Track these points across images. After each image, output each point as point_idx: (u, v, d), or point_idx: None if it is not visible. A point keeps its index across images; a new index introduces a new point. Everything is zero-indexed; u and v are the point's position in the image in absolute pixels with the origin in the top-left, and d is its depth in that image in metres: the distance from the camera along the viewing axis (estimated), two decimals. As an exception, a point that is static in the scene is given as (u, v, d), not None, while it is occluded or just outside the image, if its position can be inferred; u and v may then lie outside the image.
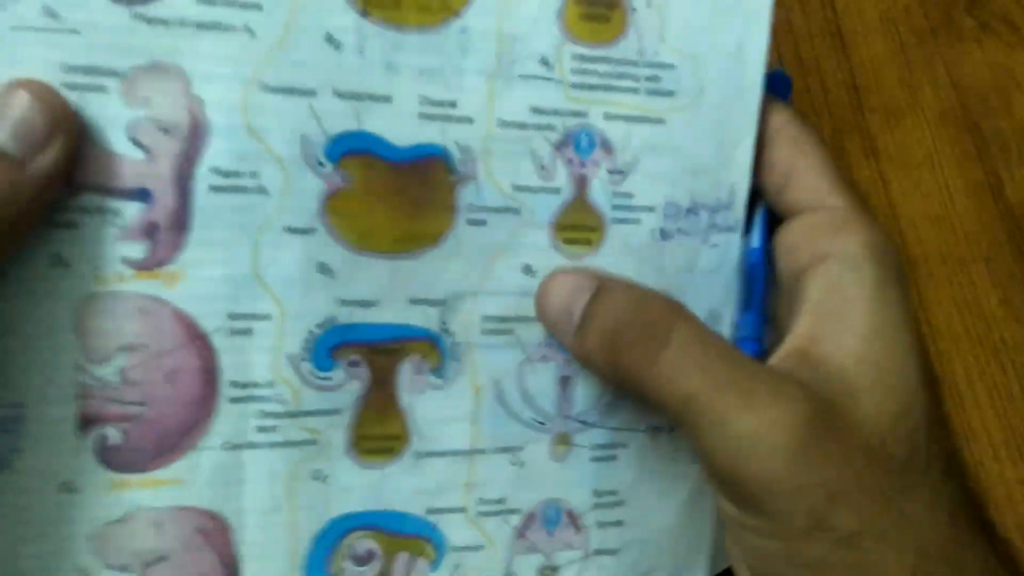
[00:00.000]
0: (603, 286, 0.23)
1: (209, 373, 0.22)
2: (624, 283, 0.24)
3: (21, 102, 0.19)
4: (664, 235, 0.26)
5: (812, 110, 0.40)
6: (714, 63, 0.26)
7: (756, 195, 0.27)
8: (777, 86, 0.27)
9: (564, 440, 0.26)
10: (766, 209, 0.27)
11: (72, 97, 0.20)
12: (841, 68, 0.40)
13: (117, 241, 0.21)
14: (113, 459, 0.22)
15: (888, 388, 0.22)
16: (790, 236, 0.26)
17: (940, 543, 0.21)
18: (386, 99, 0.23)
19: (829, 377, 0.22)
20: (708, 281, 0.26)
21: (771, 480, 0.21)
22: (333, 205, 0.23)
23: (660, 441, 0.27)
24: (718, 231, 0.27)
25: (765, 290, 0.27)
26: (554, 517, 0.26)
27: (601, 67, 0.25)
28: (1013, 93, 0.41)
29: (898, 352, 0.22)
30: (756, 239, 0.27)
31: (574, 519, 0.27)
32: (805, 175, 0.25)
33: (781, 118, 0.26)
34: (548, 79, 0.24)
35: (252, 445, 0.23)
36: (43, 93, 0.19)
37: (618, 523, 0.27)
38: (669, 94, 0.25)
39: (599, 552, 0.27)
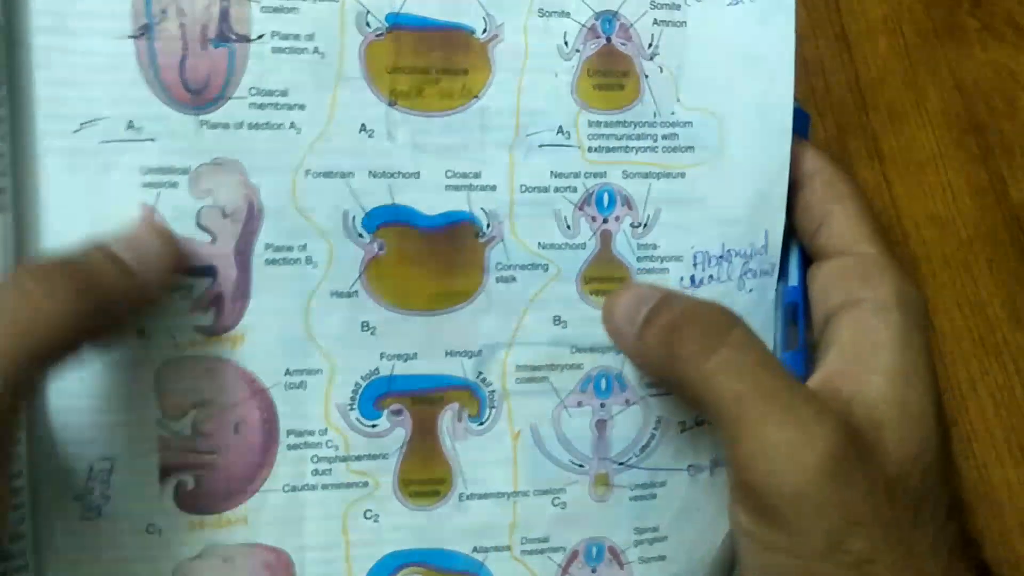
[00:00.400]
0: (666, 295, 0.25)
1: (270, 423, 0.25)
2: (686, 295, 0.26)
3: (142, 228, 0.24)
4: (695, 282, 0.27)
5: (816, 110, 0.40)
6: (735, 117, 0.27)
7: (790, 234, 0.28)
8: (795, 122, 0.27)
9: (604, 481, 0.27)
10: (800, 249, 0.28)
11: (150, 193, 0.24)
12: (845, 69, 0.40)
13: (189, 312, 0.24)
14: (189, 502, 0.25)
15: (910, 427, 0.23)
16: (823, 278, 0.26)
17: None
18: (415, 175, 0.25)
19: (856, 412, 0.23)
20: None
21: (798, 494, 0.21)
22: (372, 270, 0.25)
23: (699, 480, 0.28)
24: (753, 276, 0.27)
25: (806, 328, 0.27)
26: (597, 554, 0.27)
27: (618, 131, 0.26)
28: (1017, 94, 0.40)
29: (920, 394, 0.23)
30: (795, 278, 0.28)
31: (616, 555, 0.28)
32: (839, 220, 0.26)
33: (816, 162, 0.27)
34: (566, 146, 0.26)
35: (310, 487, 0.25)
36: (161, 228, 0.24)
37: (661, 558, 0.28)
38: (688, 149, 0.27)
39: (645, 588, 0.28)
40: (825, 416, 0.22)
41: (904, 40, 0.41)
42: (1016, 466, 0.38)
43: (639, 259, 0.27)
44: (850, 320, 0.25)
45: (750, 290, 0.27)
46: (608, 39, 0.26)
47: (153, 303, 0.24)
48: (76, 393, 0.24)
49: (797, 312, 0.28)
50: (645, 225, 0.27)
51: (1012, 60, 0.41)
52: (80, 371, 0.24)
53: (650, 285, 0.26)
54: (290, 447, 0.25)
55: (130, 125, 0.24)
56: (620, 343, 0.26)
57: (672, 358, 0.23)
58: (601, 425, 0.27)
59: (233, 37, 0.24)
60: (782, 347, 0.28)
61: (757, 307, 0.27)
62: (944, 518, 0.22)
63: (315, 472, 0.25)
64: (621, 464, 0.27)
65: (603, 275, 0.27)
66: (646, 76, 0.26)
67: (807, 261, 0.28)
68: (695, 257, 0.27)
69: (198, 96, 0.24)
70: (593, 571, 0.27)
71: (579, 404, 0.27)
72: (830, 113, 0.40)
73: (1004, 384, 0.38)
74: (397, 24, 0.25)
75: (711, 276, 0.27)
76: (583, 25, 0.26)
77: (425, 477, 0.26)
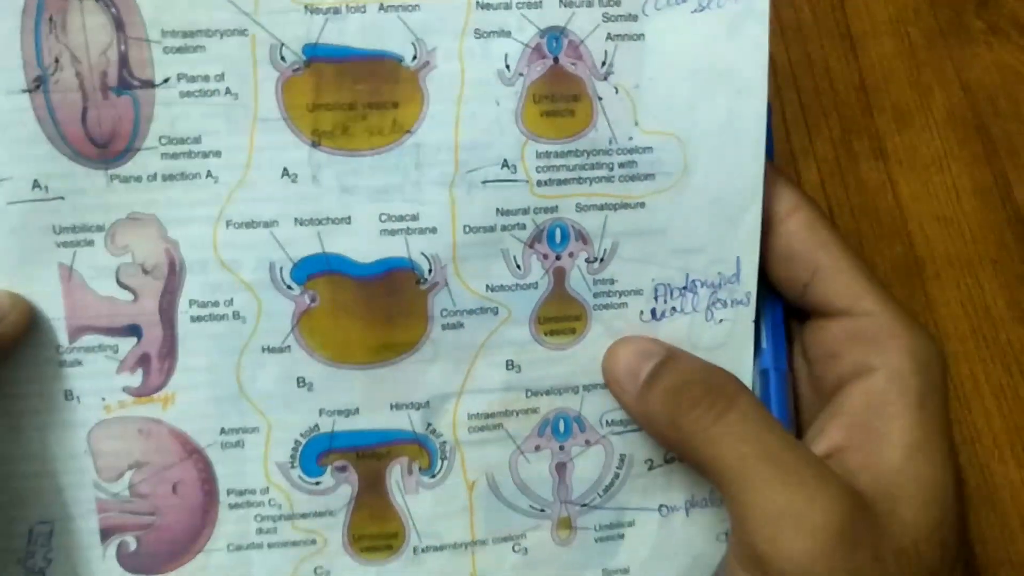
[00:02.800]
0: (672, 353, 0.24)
1: (208, 483, 0.23)
2: (690, 355, 0.24)
3: None
4: (655, 315, 0.24)
5: (821, 111, 0.38)
6: (701, 139, 0.23)
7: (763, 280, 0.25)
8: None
9: (566, 524, 0.25)
10: (779, 308, 0.25)
11: (65, 253, 0.22)
12: (850, 69, 0.38)
13: (116, 373, 0.23)
14: (132, 564, 0.23)
15: (927, 502, 0.22)
16: (829, 342, 0.24)
17: None
18: (345, 220, 0.23)
19: (866, 482, 0.22)
20: (715, 357, 0.24)
21: (806, 559, 0.21)
22: (305, 324, 0.23)
23: (674, 521, 0.26)
24: (723, 306, 0.24)
25: (787, 397, 0.25)
26: (566, 601, 0.26)
27: (570, 160, 0.23)
28: (1022, 95, 0.38)
29: (938, 467, 0.22)
30: (767, 339, 0.25)
31: (586, 601, 0.26)
32: (833, 274, 0.24)
33: (791, 199, 0.24)
34: (512, 181, 0.23)
35: (255, 546, 0.24)
36: (8, 291, 0.22)
37: None
38: (648, 177, 0.24)
39: (620, 632, 0.26)
40: (831, 482, 0.21)
41: (909, 40, 0.39)
42: (1019, 467, 0.36)
43: (596, 295, 0.24)
44: (861, 390, 0.23)
45: (720, 320, 0.25)
46: (555, 59, 0.23)
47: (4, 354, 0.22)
48: (11, 457, 0.23)
49: (769, 379, 0.25)
50: (602, 260, 0.24)
51: (1018, 61, 0.39)
52: (13, 435, 0.22)
53: (652, 339, 0.24)
54: (231, 506, 0.24)
55: (36, 184, 0.21)
56: (620, 397, 0.24)
57: (677, 419, 0.22)
58: (561, 468, 0.25)
59: (136, 83, 0.21)
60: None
61: (730, 340, 0.25)
62: None
63: (259, 531, 0.24)
64: (584, 505, 0.25)
65: (558, 314, 0.24)
66: (600, 99, 0.23)
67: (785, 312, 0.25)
68: (656, 290, 0.24)
69: (105, 149, 0.21)
70: None
71: (537, 448, 0.25)
72: (835, 114, 0.38)
73: (1008, 384, 0.37)
74: (315, 56, 0.22)
75: (673, 308, 0.24)
76: (526, 45, 0.23)
77: (376, 532, 0.24)
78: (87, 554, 0.23)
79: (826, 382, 0.24)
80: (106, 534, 0.23)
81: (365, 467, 0.24)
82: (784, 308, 0.25)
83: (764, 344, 0.25)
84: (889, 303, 0.23)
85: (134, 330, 0.23)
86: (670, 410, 0.23)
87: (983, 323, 0.37)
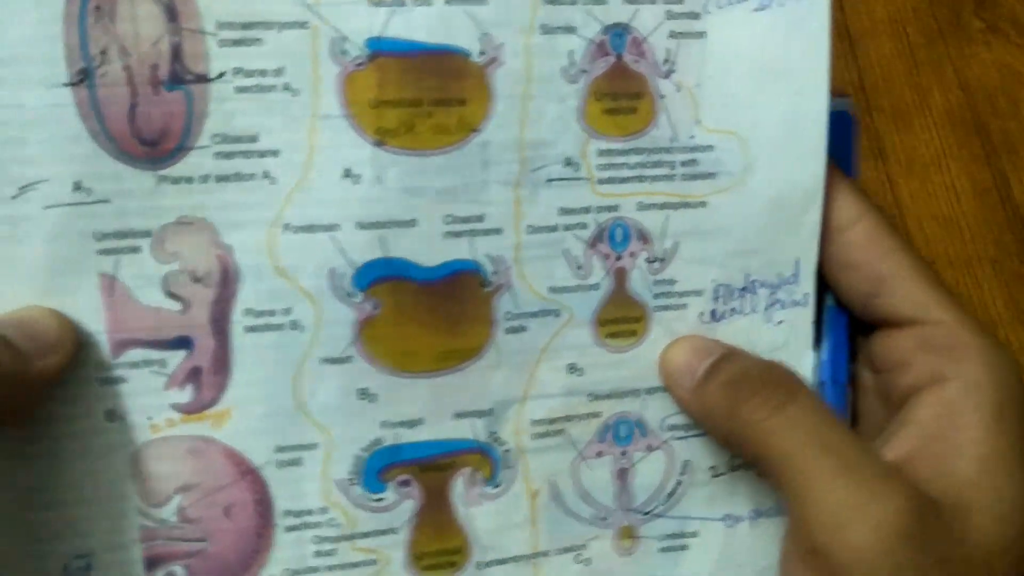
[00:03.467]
0: (730, 350, 0.23)
1: (263, 505, 0.22)
2: (748, 352, 0.24)
3: (34, 309, 0.20)
4: (715, 316, 0.24)
5: None
6: (762, 138, 0.23)
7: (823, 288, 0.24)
8: (833, 129, 0.23)
9: (628, 533, 0.24)
10: (844, 319, 0.25)
11: (108, 261, 0.20)
12: (849, 69, 0.40)
13: (164, 390, 0.21)
14: (181, 596, 0.21)
15: (1002, 515, 0.21)
16: (897, 352, 0.24)
17: None
18: (410, 223, 0.21)
19: (936, 491, 0.21)
20: (774, 359, 0.24)
21: (869, 553, 0.20)
22: (367, 332, 0.22)
23: (738, 532, 0.25)
24: (781, 307, 0.24)
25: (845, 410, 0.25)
26: (627, 611, 0.25)
27: (632, 158, 0.23)
28: (1021, 95, 0.40)
29: (1015, 480, 0.21)
30: (827, 352, 0.25)
31: (649, 612, 0.25)
32: (903, 283, 0.23)
33: (856, 207, 0.24)
34: (575, 179, 0.22)
35: (312, 570, 0.22)
36: (60, 315, 0.20)
37: None
38: (710, 176, 0.23)
39: (682, 643, 0.25)
40: (896, 480, 0.21)
41: (908, 40, 0.41)
42: None
43: (655, 296, 0.24)
44: (934, 400, 0.22)
45: (779, 322, 0.24)
46: (619, 56, 0.22)
47: (49, 386, 0.20)
48: (46, 486, 0.20)
49: (826, 392, 0.24)
50: (662, 260, 0.23)
51: (1017, 60, 0.40)
52: (49, 461, 0.20)
53: (708, 338, 0.24)
54: (288, 528, 0.22)
55: (78, 186, 0.19)
56: (676, 393, 0.24)
57: (736, 412, 0.22)
58: (622, 474, 0.24)
59: (189, 77, 0.20)
60: None
61: (789, 341, 0.24)
62: None
63: (317, 553, 0.22)
64: (646, 514, 0.24)
65: (618, 316, 0.23)
66: (662, 96, 0.23)
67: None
68: (716, 291, 0.24)
69: (154, 148, 0.20)
70: None
71: (598, 454, 0.24)
72: None
73: None
74: (379, 50, 0.21)
75: (733, 309, 0.24)
76: (591, 41, 0.22)
77: (439, 548, 0.23)
78: None
79: (895, 392, 0.23)
80: (152, 564, 0.21)
81: (428, 480, 0.23)
82: (849, 320, 0.25)
83: (824, 356, 0.25)
84: (960, 312, 0.23)
85: (184, 342, 0.21)
86: (729, 403, 0.22)
87: (982, 322, 0.38)
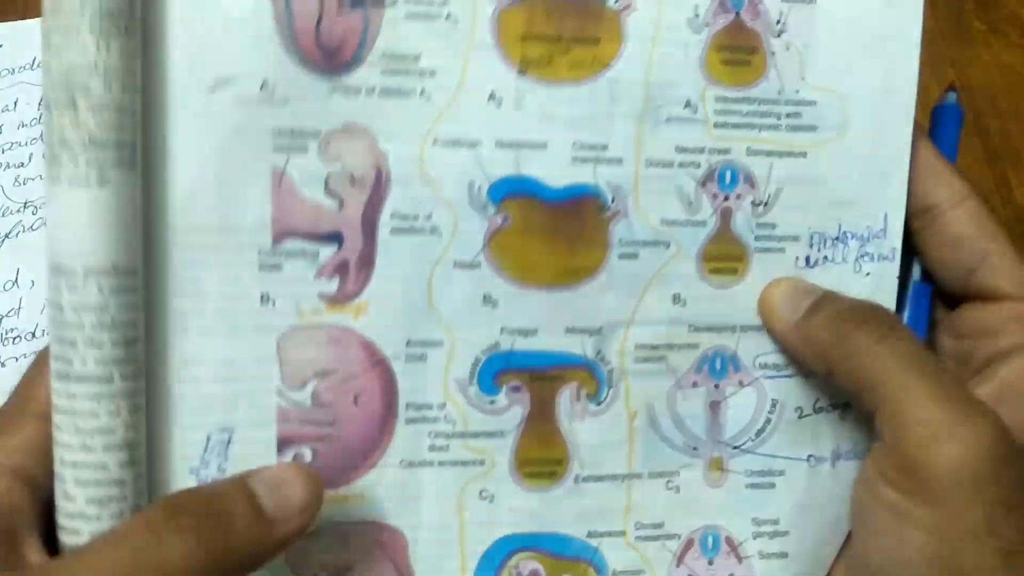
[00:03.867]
0: (829, 292, 0.25)
1: (389, 395, 0.24)
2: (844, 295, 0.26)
3: (289, 470, 0.21)
4: (809, 263, 0.26)
5: None
6: (859, 98, 0.26)
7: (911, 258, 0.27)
8: (945, 119, 0.26)
9: (718, 465, 0.26)
10: (928, 291, 0.27)
11: (279, 158, 0.23)
12: None
13: (314, 279, 0.23)
14: (308, 473, 0.23)
15: None
16: (987, 322, 0.26)
17: None
18: (542, 146, 0.24)
19: (1017, 436, 0.23)
20: None
21: (957, 465, 0.22)
22: (496, 242, 0.24)
23: (822, 472, 0.26)
24: (870, 260, 0.26)
25: None
26: (713, 545, 0.26)
27: (743, 107, 0.25)
28: (1022, 96, 0.40)
29: None
30: (907, 321, 0.27)
31: (734, 547, 0.26)
32: (1002, 261, 0.26)
33: (961, 188, 0.26)
34: (693, 120, 0.25)
35: (426, 463, 0.24)
36: (312, 477, 0.21)
37: (783, 555, 0.26)
38: (811, 129, 0.26)
39: (762, 584, 0.26)
40: (984, 406, 0.22)
41: None
42: None
43: (757, 238, 0.26)
44: (1018, 363, 0.25)
45: (867, 274, 0.26)
46: (737, 14, 0.25)
47: (283, 551, 0.21)
48: (196, 360, 0.22)
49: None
50: (766, 204, 0.26)
51: (1018, 62, 0.41)
52: (203, 337, 0.22)
53: (807, 281, 0.26)
54: (408, 421, 0.24)
55: (264, 86, 0.22)
56: (777, 326, 0.26)
57: (843, 341, 0.24)
58: (715, 407, 0.26)
59: (368, 0, 0.23)
60: None
61: (875, 292, 0.26)
62: None
63: (432, 448, 0.24)
64: (736, 448, 0.26)
65: (722, 253, 0.26)
66: (772, 53, 0.25)
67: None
68: (811, 238, 0.26)
69: (331, 59, 0.23)
70: (710, 563, 0.26)
71: (694, 384, 0.26)
72: None
73: None
74: (530, -8, 0.24)
75: (826, 257, 0.26)
76: (713, -1, 0.25)
77: (542, 457, 0.25)
78: (261, 464, 0.23)
79: (979, 357, 0.26)
80: (282, 444, 0.23)
81: (538, 389, 0.25)
82: (932, 294, 0.27)
83: (905, 321, 0.26)
84: None
85: (336, 237, 0.23)
86: (835, 332, 0.24)
87: None
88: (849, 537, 0.26)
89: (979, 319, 0.26)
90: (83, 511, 0.20)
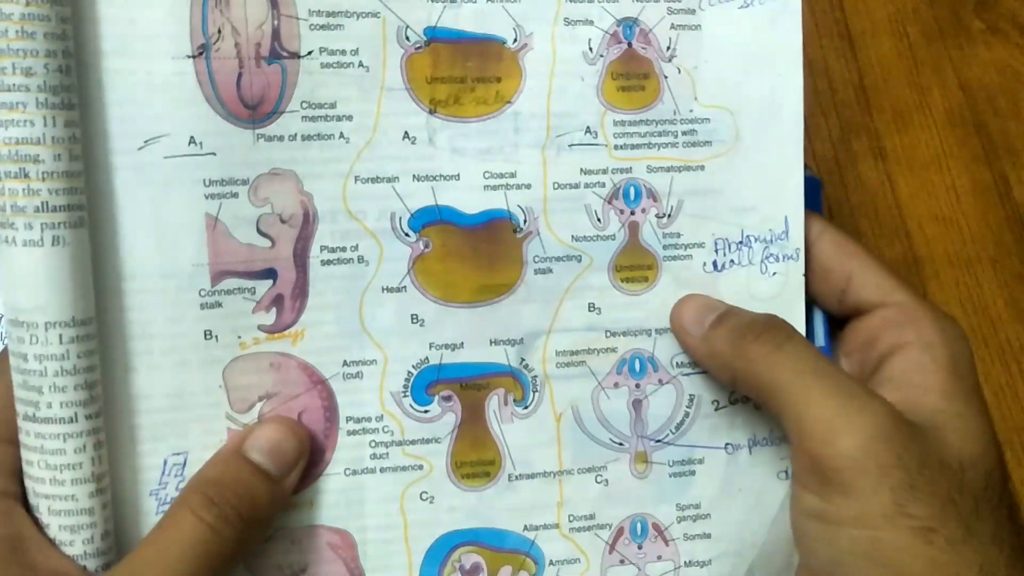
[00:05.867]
0: (731, 307, 0.29)
1: (330, 411, 0.27)
2: (745, 309, 0.29)
3: (279, 429, 0.26)
4: (717, 267, 0.29)
5: (820, 110, 0.41)
6: (749, 112, 0.29)
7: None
8: (807, 189, 0.30)
9: (643, 458, 0.30)
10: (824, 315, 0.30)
11: (212, 204, 0.26)
12: (849, 68, 0.41)
13: (252, 313, 0.27)
14: (260, 487, 0.27)
15: (970, 434, 0.26)
16: (868, 330, 0.29)
17: (1002, 571, 0.24)
18: (455, 177, 0.28)
19: (911, 415, 0.26)
20: (769, 307, 0.29)
21: (859, 452, 0.24)
22: (419, 267, 0.28)
23: (739, 459, 0.30)
24: (775, 260, 0.30)
25: None
26: (642, 531, 0.30)
27: (641, 128, 0.29)
28: (1021, 94, 0.42)
29: (975, 410, 0.26)
30: (821, 338, 0.30)
31: (661, 532, 0.30)
32: (865, 276, 0.29)
33: (817, 227, 0.30)
34: (594, 144, 0.28)
35: (368, 470, 0.28)
36: (292, 426, 0.27)
37: (706, 535, 0.30)
38: (707, 144, 0.29)
39: (690, 564, 0.30)
40: (877, 397, 0.25)
41: (908, 40, 0.42)
42: (1019, 466, 0.39)
43: (665, 247, 0.29)
44: (899, 360, 0.28)
45: (773, 274, 0.30)
46: (629, 44, 0.29)
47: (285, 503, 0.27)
48: (147, 394, 0.26)
49: None
50: (669, 216, 0.29)
51: (1016, 60, 0.42)
52: (153, 373, 0.26)
53: (711, 297, 0.29)
54: (349, 433, 0.28)
55: (192, 140, 0.26)
56: (686, 341, 0.29)
57: (742, 352, 0.27)
58: (637, 404, 0.29)
59: (285, 54, 0.26)
60: None
61: (783, 291, 0.30)
62: (1007, 520, 0.24)
63: (373, 456, 0.28)
64: (658, 441, 0.30)
65: (632, 263, 0.29)
66: (665, 77, 0.29)
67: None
68: (716, 243, 0.29)
69: (255, 111, 0.26)
70: (639, 547, 0.29)
71: (616, 385, 0.29)
72: (834, 113, 0.42)
73: (1007, 384, 0.40)
74: (435, 37, 0.27)
75: (732, 261, 0.30)
76: (606, 32, 0.28)
77: (476, 459, 0.28)
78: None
79: (866, 366, 0.29)
80: (236, 461, 0.27)
81: (468, 397, 0.28)
82: (828, 321, 0.30)
83: (818, 343, 0.30)
84: (915, 293, 0.29)
85: (270, 273, 0.27)
86: (735, 344, 0.27)
87: (982, 322, 0.40)
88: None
89: (860, 333, 0.29)
90: (57, 537, 0.24)
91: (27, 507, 0.24)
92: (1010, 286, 0.40)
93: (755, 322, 0.28)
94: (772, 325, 0.27)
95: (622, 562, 0.30)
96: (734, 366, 0.27)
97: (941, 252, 0.41)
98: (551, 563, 0.29)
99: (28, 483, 0.24)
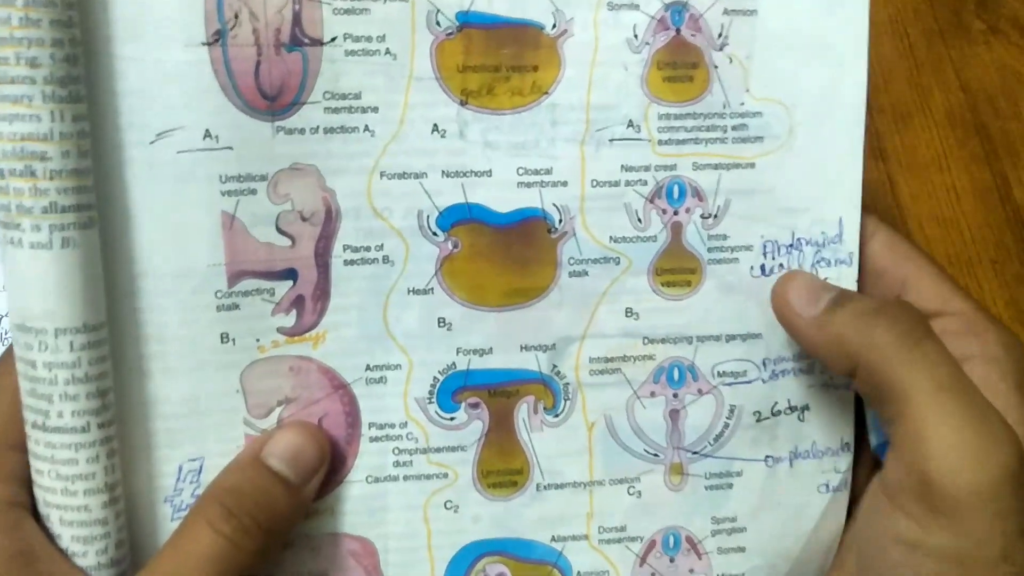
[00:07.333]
0: (845, 290, 0.26)
1: (352, 416, 0.27)
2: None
3: (298, 435, 0.26)
4: (764, 271, 0.28)
5: None
6: (805, 106, 0.27)
7: None
8: None
9: (678, 470, 0.29)
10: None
11: (229, 202, 0.25)
12: None
13: (271, 315, 0.26)
14: (279, 494, 0.26)
15: None
16: None
17: None
18: (487, 173, 0.26)
19: None
20: None
21: (985, 494, 0.22)
22: (447, 267, 0.26)
23: (779, 472, 0.29)
24: (827, 265, 0.28)
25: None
26: (674, 544, 0.29)
27: (688, 122, 0.27)
28: (1021, 95, 0.41)
29: None
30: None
31: (694, 545, 0.29)
32: (922, 282, 0.27)
33: (868, 226, 0.28)
34: (637, 139, 0.27)
35: (391, 478, 0.27)
36: (313, 431, 0.26)
37: (740, 549, 0.29)
38: (758, 140, 0.27)
39: (723, 577, 0.29)
40: (1007, 426, 0.24)
41: (909, 40, 0.42)
42: None
43: (710, 250, 0.28)
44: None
45: (824, 279, 0.28)
46: (677, 31, 0.27)
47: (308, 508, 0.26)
48: (163, 399, 0.25)
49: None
50: (715, 216, 0.28)
51: (1017, 61, 0.42)
52: (167, 377, 0.25)
53: (818, 277, 0.27)
54: (372, 439, 0.27)
55: (207, 134, 0.25)
56: (793, 321, 0.27)
57: (872, 341, 0.24)
58: (674, 415, 0.28)
59: (306, 41, 0.25)
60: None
61: None
62: None
63: (396, 464, 0.27)
64: (695, 453, 0.29)
65: (674, 267, 0.28)
66: (715, 67, 0.27)
67: None
68: (764, 246, 0.28)
69: (274, 102, 0.25)
70: (671, 560, 0.29)
71: (652, 394, 0.28)
72: None
73: None
74: (467, 22, 0.26)
75: (781, 265, 0.28)
76: (652, 17, 0.27)
77: (503, 468, 0.28)
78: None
79: None
80: (254, 467, 0.26)
81: (496, 404, 0.27)
82: None
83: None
84: (974, 302, 0.27)
85: (290, 274, 0.26)
86: (864, 331, 0.24)
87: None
88: (843, 562, 0.28)
89: None
90: (69, 548, 0.23)
91: (36, 516, 0.24)
92: (1011, 287, 0.40)
93: (886, 307, 0.25)
94: (910, 316, 0.25)
95: (653, 575, 0.29)
96: (860, 356, 0.24)
97: (941, 253, 0.40)
98: (579, 575, 0.29)
99: (38, 492, 0.24)
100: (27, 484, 0.24)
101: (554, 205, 0.27)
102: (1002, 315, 0.39)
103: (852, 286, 0.28)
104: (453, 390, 0.27)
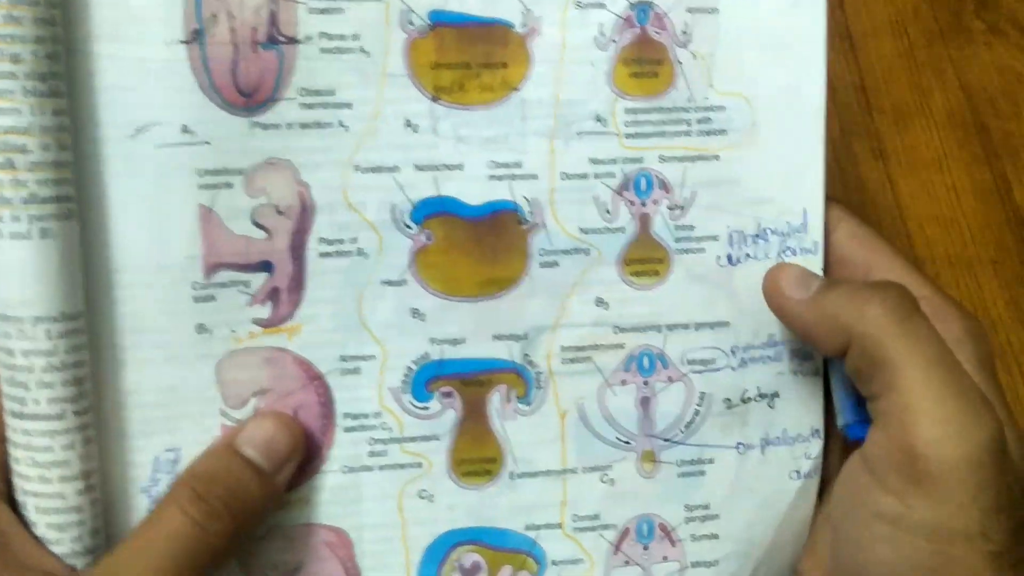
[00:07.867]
0: (835, 278, 0.27)
1: (326, 407, 0.27)
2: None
3: (272, 424, 0.26)
4: (731, 261, 0.29)
5: None
6: (767, 100, 0.28)
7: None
8: None
9: (650, 457, 0.29)
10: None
11: (206, 195, 0.26)
12: (850, 70, 0.41)
13: (247, 307, 0.26)
14: (255, 484, 0.27)
15: (1016, 443, 0.25)
16: None
17: None
18: (459, 167, 0.27)
19: None
20: None
21: (965, 467, 0.23)
22: (421, 259, 0.27)
23: (750, 458, 0.30)
24: (792, 254, 0.29)
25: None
26: (648, 531, 0.29)
27: (654, 116, 0.28)
28: (1021, 95, 0.42)
29: (1006, 412, 0.26)
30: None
31: (667, 533, 0.30)
32: (887, 268, 0.28)
33: (834, 215, 0.29)
34: (604, 133, 0.28)
35: (366, 468, 0.28)
36: (287, 420, 0.27)
37: (713, 536, 0.30)
38: (722, 132, 0.28)
39: (696, 564, 0.30)
40: (988, 402, 0.24)
41: (909, 41, 0.42)
42: None
43: (677, 240, 0.29)
44: None
45: None
46: (642, 28, 0.28)
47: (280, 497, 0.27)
48: (138, 389, 0.26)
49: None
50: (682, 207, 0.29)
51: (1017, 61, 0.43)
52: (143, 367, 0.26)
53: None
54: (347, 429, 0.27)
55: (185, 129, 0.25)
56: (784, 304, 0.27)
57: (863, 314, 0.25)
58: (645, 402, 0.29)
59: (282, 39, 0.26)
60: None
61: None
62: None
63: (371, 453, 0.28)
64: (666, 440, 0.29)
65: (643, 257, 0.29)
66: (680, 63, 0.28)
67: None
68: (731, 236, 0.29)
69: (250, 98, 0.26)
70: (645, 548, 0.29)
71: (623, 383, 0.29)
72: (835, 114, 0.42)
73: (1008, 385, 0.40)
74: (439, 21, 0.27)
75: (747, 254, 0.29)
76: (618, 16, 0.28)
77: (476, 456, 0.28)
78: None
79: None
80: (231, 457, 0.27)
81: (469, 393, 0.28)
82: None
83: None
84: (938, 287, 0.28)
85: (266, 266, 0.27)
86: (857, 306, 0.25)
87: (983, 324, 0.39)
88: (815, 542, 0.29)
89: None
90: (44, 535, 0.24)
91: (13, 504, 0.24)
92: (1011, 287, 0.41)
93: (878, 285, 0.26)
94: (898, 292, 0.25)
95: (627, 563, 0.30)
96: (853, 330, 0.25)
97: (941, 253, 0.41)
98: (553, 563, 0.29)
99: (15, 480, 0.24)
100: (4, 473, 0.24)
101: (524, 198, 0.28)
102: (1002, 315, 0.40)
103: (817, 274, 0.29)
104: (426, 380, 0.28)
